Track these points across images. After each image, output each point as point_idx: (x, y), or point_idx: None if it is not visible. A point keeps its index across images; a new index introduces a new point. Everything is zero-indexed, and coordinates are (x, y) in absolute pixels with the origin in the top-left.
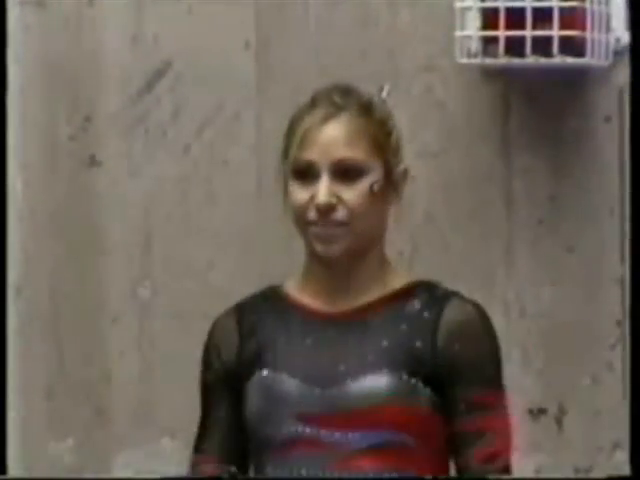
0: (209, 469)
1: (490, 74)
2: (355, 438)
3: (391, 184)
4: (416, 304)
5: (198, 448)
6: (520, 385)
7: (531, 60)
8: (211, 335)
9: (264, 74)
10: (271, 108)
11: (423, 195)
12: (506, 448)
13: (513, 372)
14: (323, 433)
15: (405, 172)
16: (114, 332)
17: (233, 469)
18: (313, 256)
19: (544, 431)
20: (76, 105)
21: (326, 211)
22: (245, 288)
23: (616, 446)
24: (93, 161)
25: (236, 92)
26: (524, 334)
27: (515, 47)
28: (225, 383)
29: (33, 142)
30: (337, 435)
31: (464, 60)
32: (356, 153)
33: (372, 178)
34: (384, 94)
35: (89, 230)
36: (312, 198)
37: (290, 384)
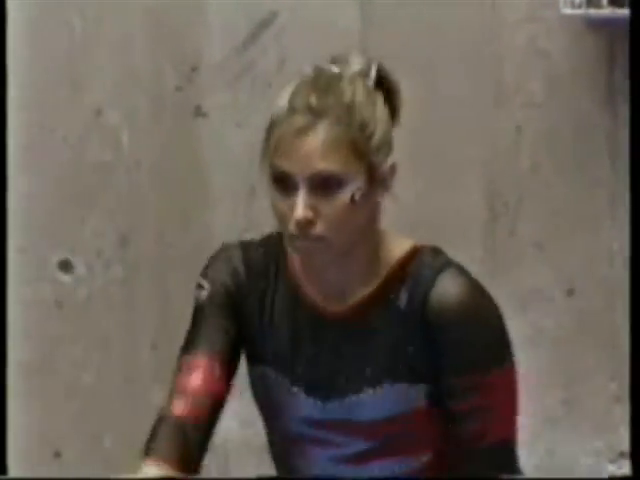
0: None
1: (594, 25)
2: (359, 441)
3: (377, 183)
4: (402, 298)
5: (190, 350)
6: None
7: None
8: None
9: (368, 24)
10: (375, 58)
11: (528, 145)
12: (498, 421)
13: (618, 323)
14: (330, 435)
15: (393, 167)
16: None
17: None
18: None
19: None
20: (182, 55)
21: (304, 226)
22: None
23: None
24: (199, 112)
25: (340, 42)
26: (628, 285)
27: None
28: (226, 308)
29: (139, 93)
30: (341, 438)
31: (568, 11)
32: (334, 164)
33: (353, 187)
34: (372, 74)
35: (194, 180)
36: (291, 210)
37: (293, 392)
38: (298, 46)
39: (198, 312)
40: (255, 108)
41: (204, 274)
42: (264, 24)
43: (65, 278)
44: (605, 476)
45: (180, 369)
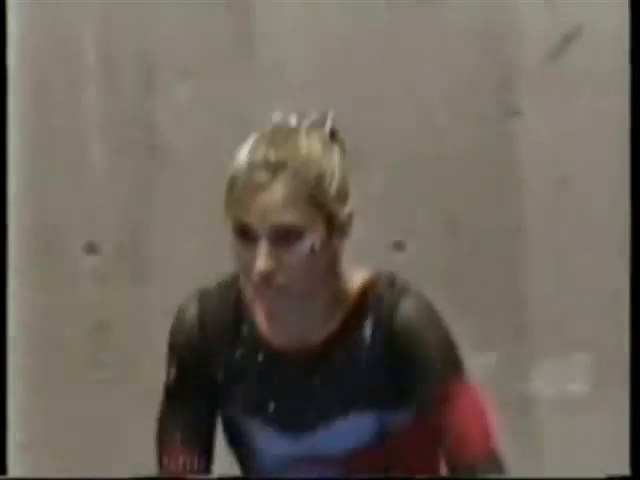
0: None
1: None
2: (335, 475)
3: (335, 231)
4: (364, 332)
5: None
6: None
7: None
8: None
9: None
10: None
11: None
12: (472, 436)
13: None
14: (305, 471)
15: (350, 215)
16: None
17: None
18: None
19: None
20: (500, 64)
21: (266, 276)
22: None
23: None
24: (514, 112)
25: (609, 53)
26: None
27: None
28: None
29: (464, 95)
30: (317, 473)
31: None
32: (294, 217)
33: (312, 238)
34: (327, 125)
35: (508, 174)
36: (253, 260)
37: (266, 432)
38: (598, 56)
39: (168, 396)
40: (565, 111)
41: (168, 351)
42: (571, 36)
43: None
44: None
45: (162, 452)
